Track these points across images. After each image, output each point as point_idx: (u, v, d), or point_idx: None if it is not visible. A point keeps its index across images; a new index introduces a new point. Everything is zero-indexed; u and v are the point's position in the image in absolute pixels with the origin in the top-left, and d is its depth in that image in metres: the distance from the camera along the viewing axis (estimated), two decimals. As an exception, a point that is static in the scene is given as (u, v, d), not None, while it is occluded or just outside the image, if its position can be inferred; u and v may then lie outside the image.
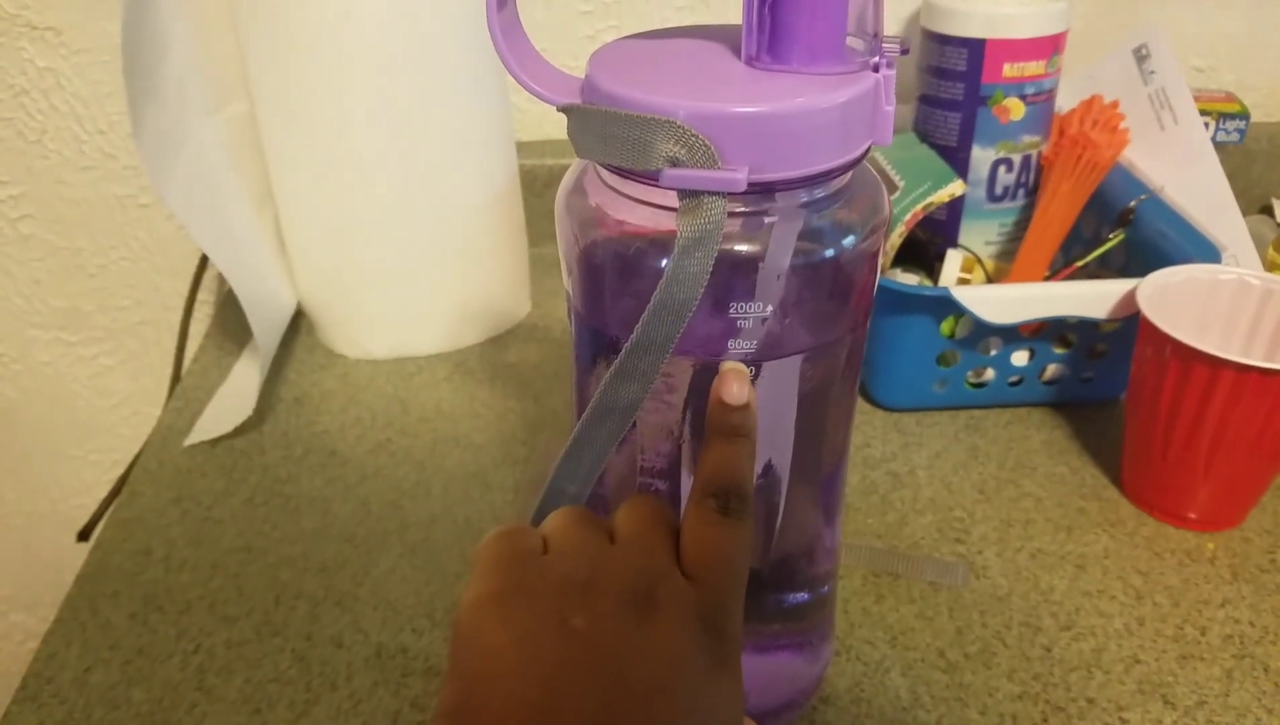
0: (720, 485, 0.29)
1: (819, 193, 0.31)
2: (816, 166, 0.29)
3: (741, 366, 0.30)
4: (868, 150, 0.31)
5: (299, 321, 0.73)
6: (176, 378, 0.73)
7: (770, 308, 0.31)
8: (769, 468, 0.35)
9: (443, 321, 0.69)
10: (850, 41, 0.30)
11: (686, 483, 0.35)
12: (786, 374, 0.33)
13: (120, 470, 0.80)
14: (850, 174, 0.32)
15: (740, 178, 0.27)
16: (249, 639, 0.47)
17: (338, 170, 0.62)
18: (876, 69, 0.30)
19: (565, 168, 0.33)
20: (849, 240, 0.32)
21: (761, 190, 0.29)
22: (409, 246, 0.65)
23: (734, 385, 0.30)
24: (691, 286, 0.28)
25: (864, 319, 0.35)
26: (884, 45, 0.30)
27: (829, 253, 0.32)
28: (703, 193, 0.28)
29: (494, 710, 0.25)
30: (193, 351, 0.72)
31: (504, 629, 0.26)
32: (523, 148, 0.78)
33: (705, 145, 0.27)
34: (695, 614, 0.27)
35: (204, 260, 0.78)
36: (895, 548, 0.52)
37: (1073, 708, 0.43)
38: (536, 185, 0.80)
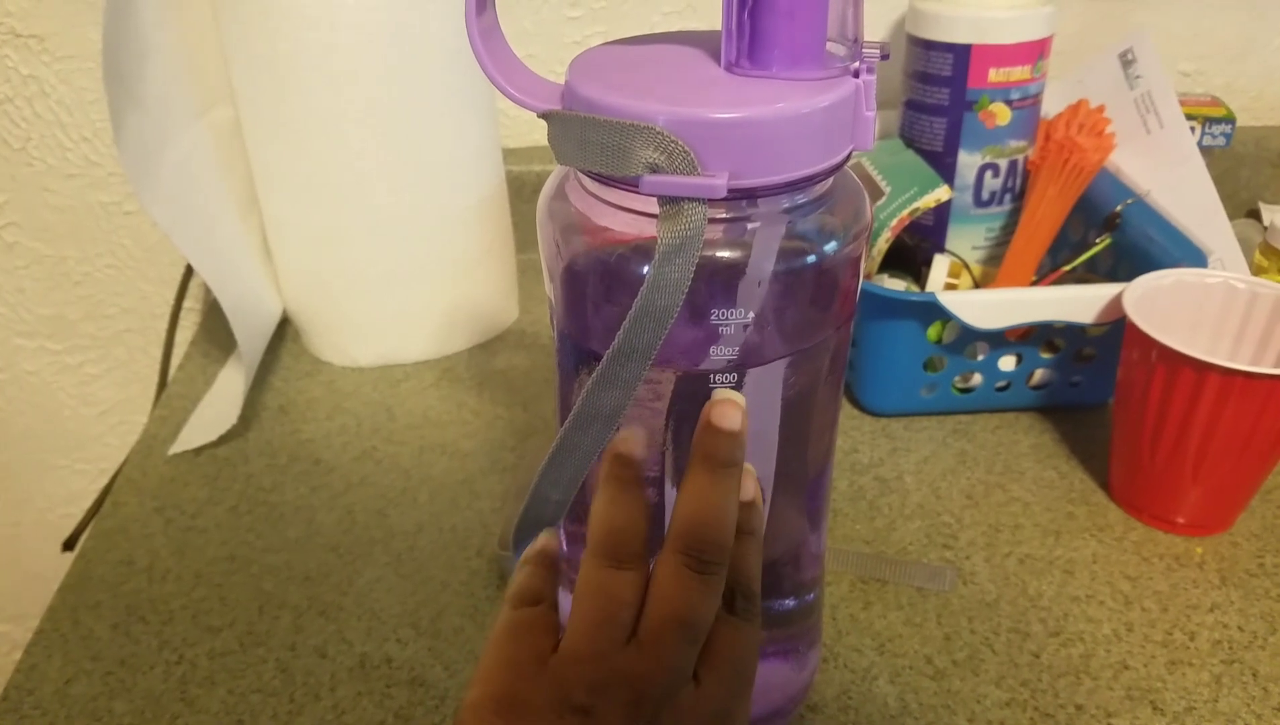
0: (728, 584, 0.29)
1: (801, 198, 0.31)
2: (797, 172, 0.29)
3: (738, 397, 0.30)
4: (849, 156, 0.31)
5: (284, 328, 0.73)
6: (162, 386, 0.72)
7: (752, 314, 0.31)
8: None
9: (430, 328, 0.69)
10: (831, 47, 0.30)
11: (670, 493, 0.35)
12: (770, 380, 0.33)
13: (107, 479, 0.79)
14: (832, 179, 0.32)
15: (720, 184, 0.27)
16: (232, 649, 0.47)
17: (324, 176, 0.62)
18: (857, 74, 0.30)
19: (553, 172, 0.33)
20: (831, 246, 0.32)
21: (743, 196, 0.29)
22: (396, 253, 0.65)
23: (725, 413, 0.30)
24: (673, 293, 0.28)
25: (847, 323, 0.35)
26: (864, 50, 0.30)
27: (811, 258, 0.31)
28: (683, 199, 0.28)
29: None
30: (179, 359, 0.72)
31: None
32: (510, 154, 0.78)
33: (685, 151, 0.27)
34: (701, 718, 0.27)
35: (190, 267, 0.77)
36: (883, 553, 0.52)
37: (1061, 714, 0.43)
38: (524, 191, 0.80)
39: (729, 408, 0.30)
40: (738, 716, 0.28)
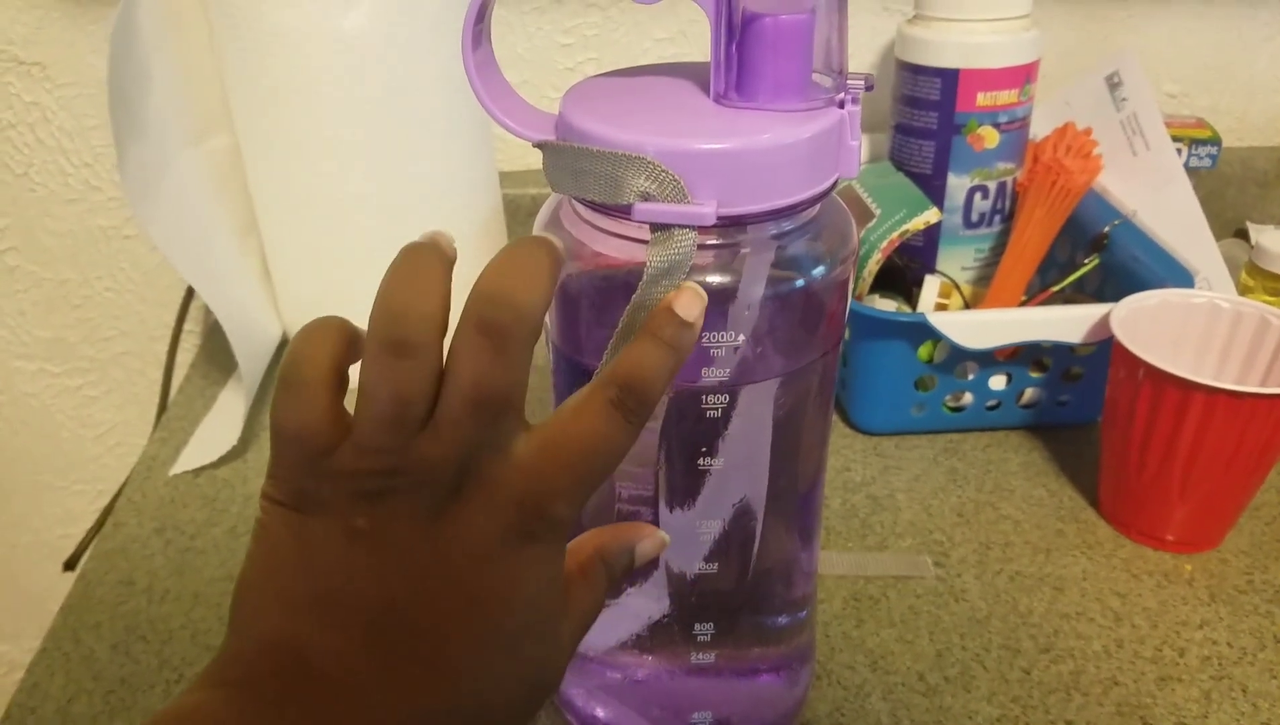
0: (627, 380, 0.27)
1: (788, 225, 0.32)
2: (784, 200, 0.30)
3: (700, 290, 0.28)
4: (835, 184, 0.32)
5: (284, 350, 0.74)
6: (163, 408, 0.73)
7: (743, 337, 0.31)
8: (744, 493, 0.35)
9: (427, 350, 0.69)
10: (817, 78, 0.31)
11: (665, 514, 0.35)
12: (761, 400, 0.34)
13: (106, 501, 0.80)
14: (819, 206, 0.32)
15: (709, 212, 0.28)
16: (232, 670, 0.47)
17: (321, 200, 0.63)
18: (842, 105, 0.31)
19: (548, 197, 0.34)
20: (819, 270, 0.33)
21: (731, 223, 0.30)
22: (393, 276, 0.66)
23: (687, 302, 0.27)
24: None
25: (836, 344, 0.36)
26: (849, 81, 0.31)
27: (800, 283, 0.32)
28: (673, 226, 0.28)
29: (269, 597, 0.27)
30: (178, 382, 0.73)
31: (287, 529, 0.27)
32: (506, 178, 0.79)
33: (675, 181, 0.28)
34: (513, 493, 0.26)
35: (190, 290, 0.78)
36: (865, 554, 0.53)
37: (1051, 729, 0.44)
38: (520, 215, 0.81)
39: (692, 299, 0.28)
40: (566, 497, 0.26)
